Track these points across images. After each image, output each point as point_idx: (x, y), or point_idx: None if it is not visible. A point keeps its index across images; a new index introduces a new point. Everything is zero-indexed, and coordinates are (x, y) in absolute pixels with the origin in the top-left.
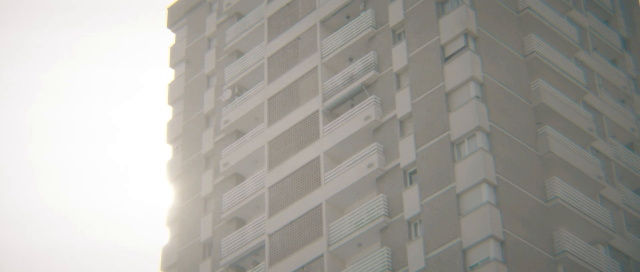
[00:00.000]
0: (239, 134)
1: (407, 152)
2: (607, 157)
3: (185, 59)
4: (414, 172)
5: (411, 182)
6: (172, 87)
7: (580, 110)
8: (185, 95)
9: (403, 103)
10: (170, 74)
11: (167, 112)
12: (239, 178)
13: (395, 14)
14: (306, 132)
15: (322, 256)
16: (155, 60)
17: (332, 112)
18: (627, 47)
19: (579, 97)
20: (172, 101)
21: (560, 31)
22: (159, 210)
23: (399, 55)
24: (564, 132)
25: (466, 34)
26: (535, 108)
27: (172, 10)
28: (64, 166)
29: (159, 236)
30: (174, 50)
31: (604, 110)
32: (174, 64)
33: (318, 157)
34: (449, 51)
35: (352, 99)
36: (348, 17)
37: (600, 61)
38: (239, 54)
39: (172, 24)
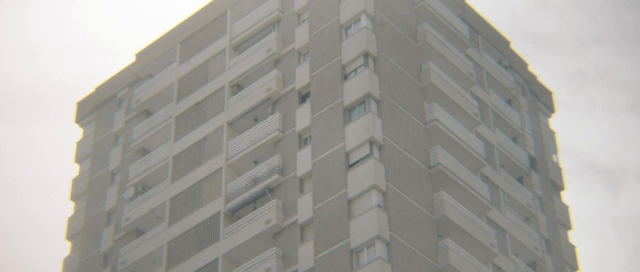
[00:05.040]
0: (139, 233)
1: (305, 258)
2: None
3: (90, 154)
4: None
5: None
6: (76, 182)
7: (482, 226)
8: (88, 191)
9: (305, 208)
10: (74, 170)
11: (68, 208)
12: None
13: (302, 119)
14: (206, 233)
15: None
16: (62, 155)
17: (234, 214)
18: (534, 166)
19: (483, 213)
20: (75, 197)
21: (467, 145)
22: None
23: (304, 160)
24: (465, 247)
25: (371, 142)
26: (437, 221)
27: (81, 105)
28: None
29: None
30: (80, 145)
31: (507, 227)
32: (79, 159)
33: (216, 259)
34: (354, 158)
35: (255, 202)
36: (256, 119)
37: (507, 178)
38: (144, 151)
39: (81, 119)
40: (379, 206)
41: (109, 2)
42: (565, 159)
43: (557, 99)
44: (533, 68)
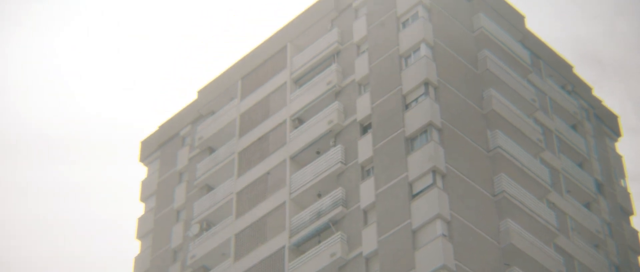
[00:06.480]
0: (205, 270)
1: None
2: None
3: (156, 193)
4: None
5: None
6: (142, 221)
7: (550, 253)
8: (154, 229)
9: (369, 240)
10: (140, 208)
11: (135, 247)
12: None
13: (365, 150)
14: (272, 268)
15: None
16: (127, 194)
17: (299, 248)
18: (601, 191)
19: (550, 240)
20: (141, 236)
21: (532, 172)
22: None
23: (367, 192)
24: None
25: (434, 172)
26: (503, 249)
27: (145, 144)
28: None
29: None
30: (145, 184)
31: (575, 254)
32: (144, 198)
33: None
34: (417, 188)
35: (319, 235)
36: (318, 152)
37: (573, 204)
38: (209, 188)
39: (145, 157)
40: (444, 235)
41: (170, 40)
42: (634, 185)
43: (624, 124)
44: (598, 94)
